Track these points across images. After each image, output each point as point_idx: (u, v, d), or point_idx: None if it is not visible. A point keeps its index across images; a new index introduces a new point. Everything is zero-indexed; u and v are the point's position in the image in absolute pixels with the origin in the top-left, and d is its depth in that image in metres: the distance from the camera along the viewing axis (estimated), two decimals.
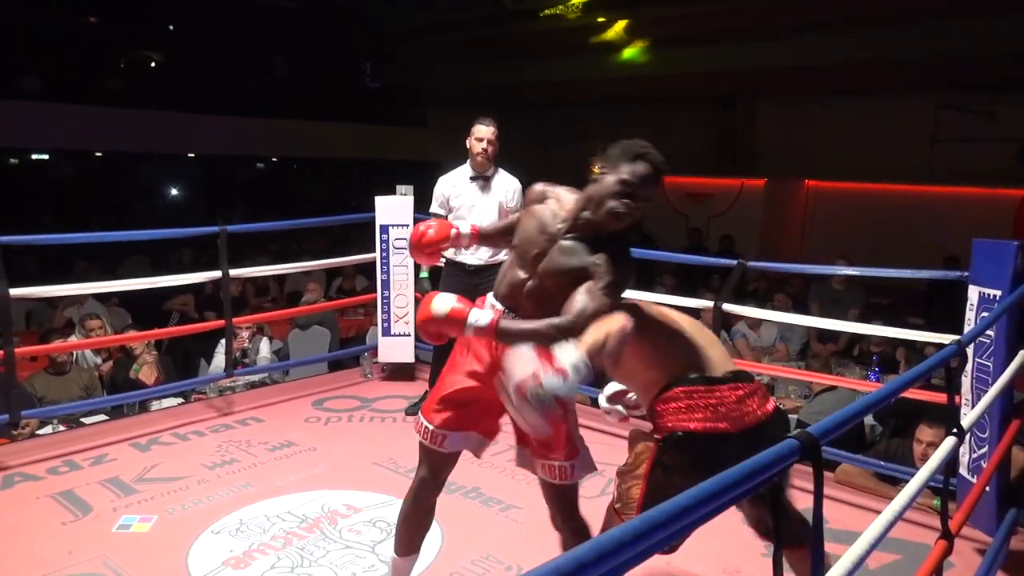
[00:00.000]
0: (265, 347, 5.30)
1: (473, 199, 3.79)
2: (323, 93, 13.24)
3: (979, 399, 2.64)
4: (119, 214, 11.81)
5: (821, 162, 10.79)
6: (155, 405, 4.42)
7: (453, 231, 2.26)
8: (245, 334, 5.17)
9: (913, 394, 3.05)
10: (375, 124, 13.11)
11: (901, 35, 8.39)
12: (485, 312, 1.87)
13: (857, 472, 3.38)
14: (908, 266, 3.38)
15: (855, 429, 4.24)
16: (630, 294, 2.30)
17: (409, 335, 4.74)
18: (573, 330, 1.76)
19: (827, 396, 4.48)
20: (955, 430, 2.05)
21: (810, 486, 1.25)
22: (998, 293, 2.75)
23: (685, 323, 1.93)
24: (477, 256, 3.74)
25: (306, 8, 11.91)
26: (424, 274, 4.14)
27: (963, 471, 2.91)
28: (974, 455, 2.86)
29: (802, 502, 1.67)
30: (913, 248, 8.19)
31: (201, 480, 3.29)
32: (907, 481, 1.79)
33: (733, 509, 1.87)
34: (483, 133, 3.70)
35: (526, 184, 3.48)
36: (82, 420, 4.21)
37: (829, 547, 1.59)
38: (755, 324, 6.03)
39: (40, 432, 4.00)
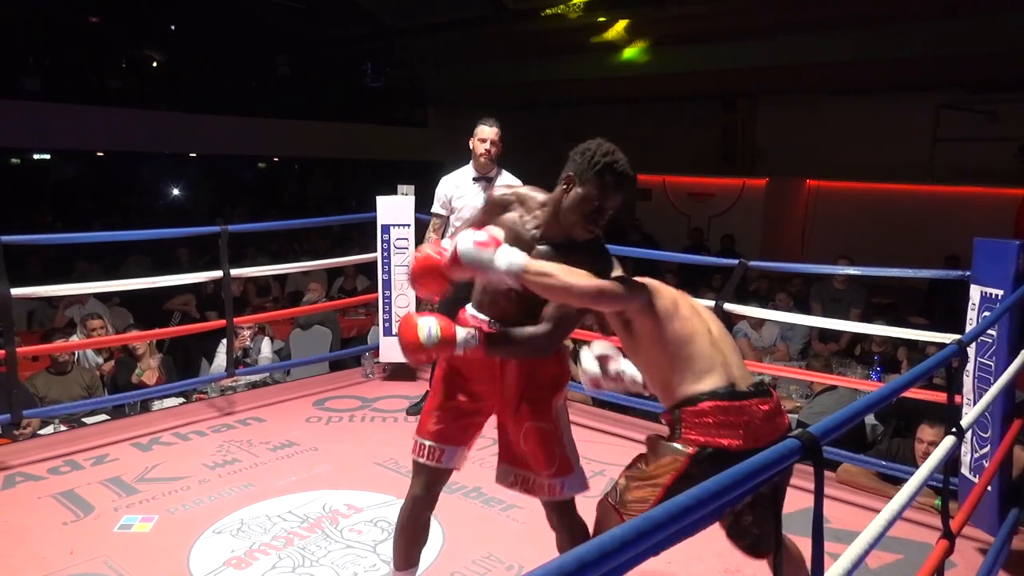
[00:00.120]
0: (266, 347, 5.31)
1: (476, 200, 3.77)
2: (324, 93, 13.25)
3: (981, 398, 2.64)
4: (120, 214, 11.83)
5: (822, 161, 10.80)
6: (156, 405, 4.43)
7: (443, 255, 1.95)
8: (246, 334, 5.17)
9: (915, 393, 3.06)
10: (376, 124, 13.11)
11: (902, 35, 8.40)
12: (471, 330, 1.87)
13: (859, 472, 3.38)
14: (909, 265, 3.38)
15: (856, 429, 4.24)
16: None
17: None
18: (555, 331, 1.87)
19: (827, 396, 4.48)
20: (955, 429, 2.05)
21: (811, 486, 1.25)
22: (1000, 292, 2.75)
23: (713, 325, 1.89)
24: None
25: (308, 7, 11.94)
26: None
27: (965, 471, 2.91)
28: (976, 455, 2.86)
29: (803, 502, 1.66)
30: (914, 247, 8.19)
31: (202, 480, 3.29)
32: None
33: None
34: (486, 134, 3.68)
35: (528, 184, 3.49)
36: (83, 420, 4.22)
37: (830, 547, 1.59)
38: (757, 324, 6.03)
39: (41, 432, 4.01)
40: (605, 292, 1.78)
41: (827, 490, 1.27)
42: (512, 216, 1.97)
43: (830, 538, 1.53)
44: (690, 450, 1.74)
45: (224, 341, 4.50)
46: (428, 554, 2.66)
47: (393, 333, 4.74)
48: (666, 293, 1.87)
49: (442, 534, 2.82)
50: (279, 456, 3.58)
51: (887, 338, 4.99)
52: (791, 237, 11.41)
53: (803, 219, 11.52)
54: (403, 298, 4.72)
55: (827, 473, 1.83)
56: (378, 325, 4.85)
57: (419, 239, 4.59)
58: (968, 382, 2.87)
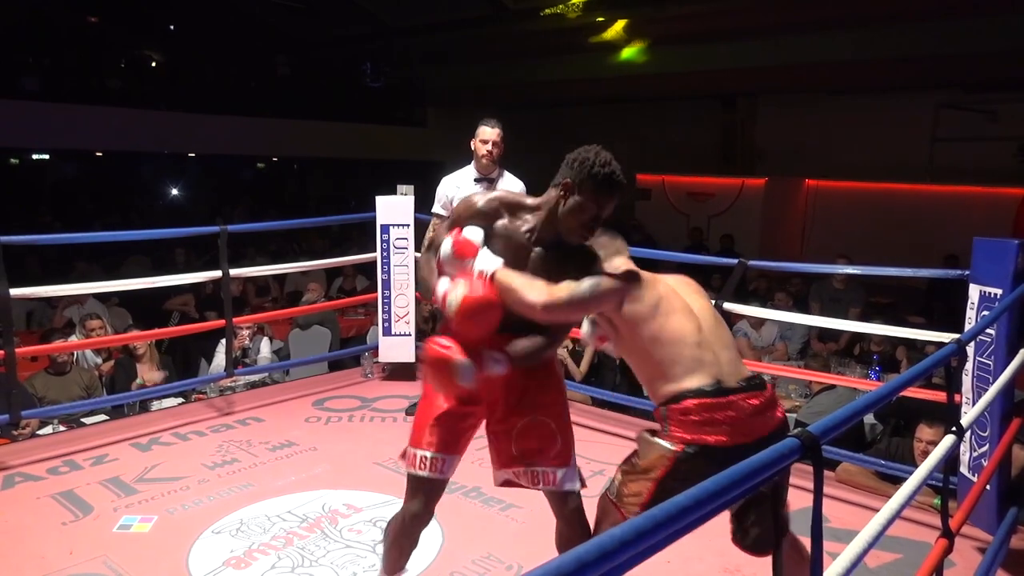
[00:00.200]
0: (265, 347, 5.30)
1: None
2: (324, 93, 13.25)
3: (980, 397, 2.64)
4: (120, 214, 11.83)
5: (821, 161, 10.81)
6: (155, 405, 4.42)
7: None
8: (245, 334, 5.17)
9: (914, 393, 3.06)
10: (376, 124, 13.11)
11: (901, 34, 8.40)
12: (496, 354, 1.88)
13: (858, 471, 3.38)
14: (908, 265, 3.38)
15: (854, 428, 4.25)
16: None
17: (410, 335, 4.73)
18: (557, 333, 1.95)
19: (825, 395, 4.49)
20: (954, 428, 2.05)
21: (810, 485, 1.25)
22: (999, 291, 2.75)
23: (705, 320, 1.88)
24: None
25: (308, 7, 11.93)
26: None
27: (964, 469, 2.91)
28: (975, 453, 2.86)
29: (802, 501, 1.67)
30: (913, 247, 8.20)
31: (202, 480, 3.29)
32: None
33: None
34: (488, 135, 3.65)
35: (530, 186, 3.48)
36: (82, 420, 4.22)
37: (829, 546, 1.59)
38: (757, 323, 6.03)
39: (40, 432, 4.00)
40: (568, 304, 1.80)
41: (826, 489, 1.27)
42: (503, 223, 1.96)
43: (829, 537, 1.53)
44: (676, 448, 1.76)
45: (223, 341, 4.50)
46: (427, 554, 2.66)
47: (393, 333, 4.74)
48: (651, 292, 1.85)
49: (441, 534, 2.81)
50: (278, 456, 3.58)
51: (886, 337, 4.99)
52: (790, 237, 11.42)
53: (802, 219, 11.53)
54: (402, 298, 4.72)
55: (826, 472, 1.83)
56: (377, 325, 4.85)
57: (418, 239, 4.59)
58: (967, 381, 2.87)
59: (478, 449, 2.25)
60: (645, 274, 1.91)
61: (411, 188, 4.71)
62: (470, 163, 3.78)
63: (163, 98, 11.38)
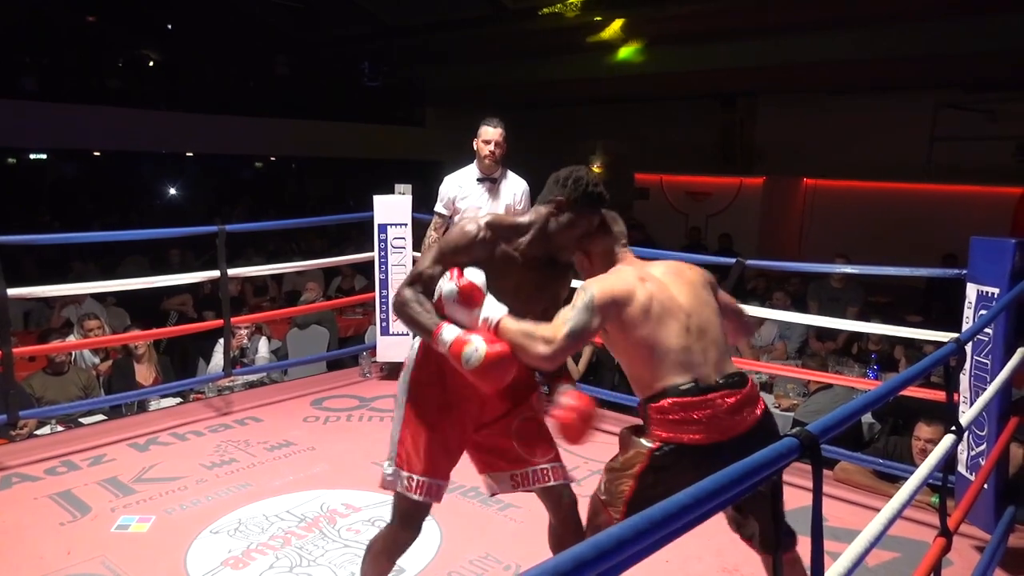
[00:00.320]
0: (264, 347, 5.30)
1: (479, 201, 3.74)
2: (323, 93, 13.24)
3: (978, 397, 2.64)
4: (119, 213, 11.81)
5: (820, 160, 10.80)
6: (153, 405, 4.41)
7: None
8: (244, 333, 5.16)
9: (912, 392, 3.06)
10: (375, 124, 13.10)
11: (901, 34, 8.39)
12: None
13: (856, 470, 3.38)
14: (907, 264, 3.38)
15: (852, 427, 4.25)
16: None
17: (408, 334, 4.72)
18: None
19: (822, 395, 4.49)
20: (954, 427, 2.05)
21: (809, 484, 1.25)
22: (996, 291, 2.75)
23: (696, 317, 1.85)
24: None
25: (307, 7, 11.91)
26: None
27: (961, 468, 2.91)
28: (972, 452, 2.86)
29: (801, 500, 1.66)
30: (912, 246, 8.20)
31: (200, 480, 3.29)
32: (906, 479, 1.80)
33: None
34: (490, 135, 3.64)
35: (533, 185, 3.47)
36: (80, 420, 4.21)
37: (828, 545, 1.59)
38: (756, 323, 6.04)
39: (38, 432, 4.00)
40: (571, 338, 1.79)
41: (824, 488, 1.27)
42: (502, 249, 1.92)
43: (827, 536, 1.53)
44: (653, 445, 1.78)
45: (221, 341, 4.50)
46: (425, 554, 2.66)
47: (391, 332, 4.73)
48: (641, 298, 1.82)
49: (439, 534, 2.81)
50: (276, 456, 3.58)
51: (884, 337, 4.99)
52: (789, 236, 11.42)
53: (801, 218, 11.53)
54: None
55: (825, 472, 1.82)
56: (375, 324, 4.85)
57: (417, 239, 4.58)
58: (964, 380, 2.87)
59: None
60: (635, 270, 1.89)
61: (409, 187, 4.71)
62: (473, 163, 3.77)
63: (162, 98, 11.38)
